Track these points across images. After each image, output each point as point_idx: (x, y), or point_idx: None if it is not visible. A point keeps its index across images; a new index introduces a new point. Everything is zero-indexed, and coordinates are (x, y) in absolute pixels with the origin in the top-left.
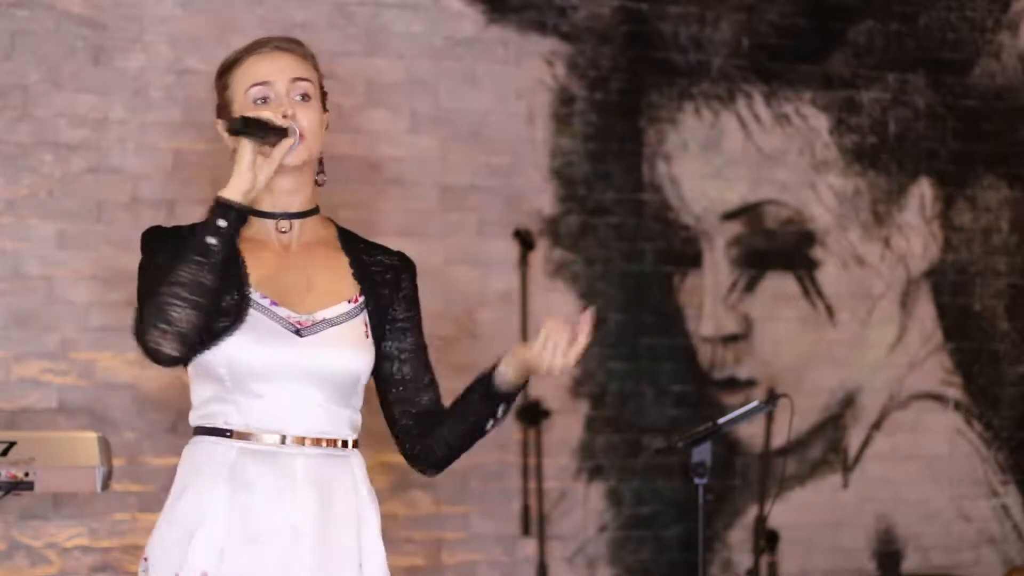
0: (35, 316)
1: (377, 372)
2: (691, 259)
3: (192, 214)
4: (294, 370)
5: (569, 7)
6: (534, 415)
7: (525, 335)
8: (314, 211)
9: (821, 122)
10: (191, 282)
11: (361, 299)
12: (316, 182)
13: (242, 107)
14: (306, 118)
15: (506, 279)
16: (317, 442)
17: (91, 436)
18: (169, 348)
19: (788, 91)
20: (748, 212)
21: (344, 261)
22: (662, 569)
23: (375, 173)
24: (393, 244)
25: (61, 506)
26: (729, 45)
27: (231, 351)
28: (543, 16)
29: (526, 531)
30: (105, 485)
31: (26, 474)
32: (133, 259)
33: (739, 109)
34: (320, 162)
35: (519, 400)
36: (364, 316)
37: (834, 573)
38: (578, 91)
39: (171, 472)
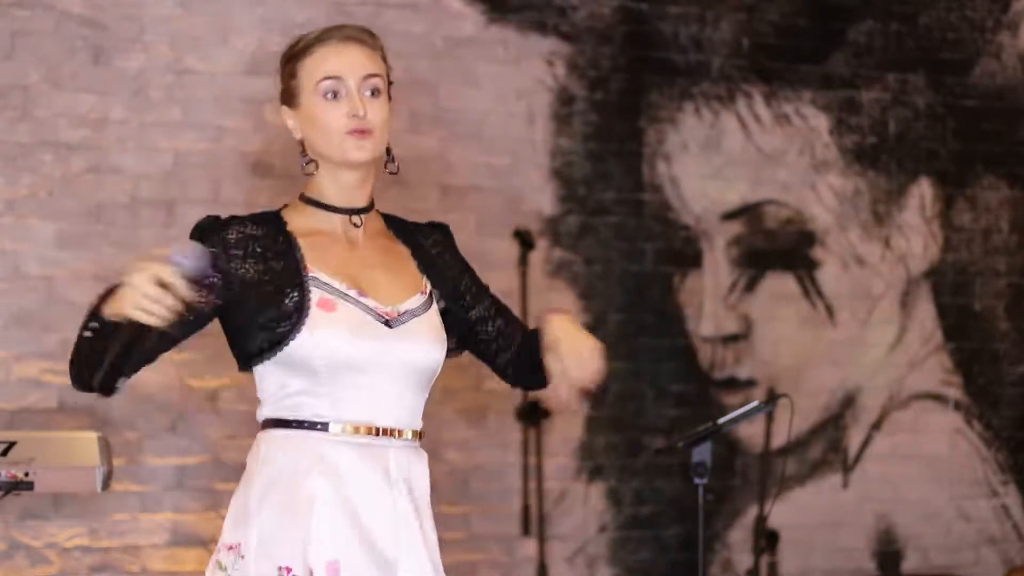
0: (35, 316)
1: (476, 337)
2: (691, 259)
3: (192, 214)
4: (386, 362)
5: (569, 7)
6: (534, 415)
7: None
8: (373, 204)
9: (821, 122)
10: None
11: (429, 289)
12: (389, 171)
13: (310, 99)
14: (376, 114)
15: (506, 279)
16: (402, 434)
17: (91, 436)
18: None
19: (788, 91)
20: (748, 212)
21: (405, 251)
22: (662, 569)
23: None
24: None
25: (61, 506)
26: (729, 45)
27: (329, 342)
28: (543, 16)
29: (526, 531)
30: (105, 485)
31: (26, 474)
32: (133, 259)
33: (739, 109)
34: (389, 151)
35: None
36: (435, 306)
37: (834, 573)
38: (578, 91)
39: (171, 473)
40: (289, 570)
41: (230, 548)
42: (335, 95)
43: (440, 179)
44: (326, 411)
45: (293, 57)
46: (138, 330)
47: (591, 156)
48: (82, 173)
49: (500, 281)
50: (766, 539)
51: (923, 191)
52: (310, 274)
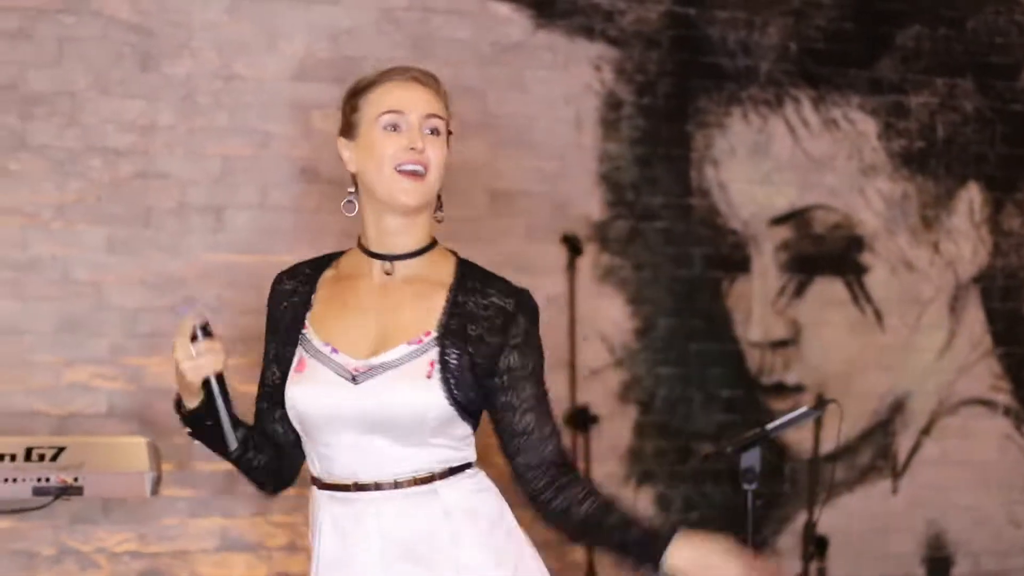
0: (84, 321)
1: (498, 424)
2: (739, 264)
3: (239, 219)
4: (351, 418)
5: (617, 12)
6: (583, 421)
7: (573, 340)
8: (424, 249)
9: (869, 127)
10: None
11: (428, 338)
12: (436, 219)
13: (369, 130)
14: (434, 153)
15: (554, 284)
16: (392, 485)
17: (140, 441)
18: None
19: (836, 96)
20: (796, 217)
21: (440, 302)
22: None
23: None
24: (513, 285)
25: (110, 511)
26: (777, 50)
27: (295, 403)
28: (591, 21)
29: None
30: (154, 490)
31: (76, 479)
32: (181, 264)
33: (787, 114)
34: (439, 198)
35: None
36: (431, 355)
37: None
38: (626, 96)
39: (220, 478)
40: None
41: None
42: (395, 128)
43: (488, 185)
44: (316, 468)
45: (358, 92)
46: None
47: (639, 161)
48: (130, 178)
49: (548, 287)
50: (815, 545)
51: (972, 195)
52: (303, 331)
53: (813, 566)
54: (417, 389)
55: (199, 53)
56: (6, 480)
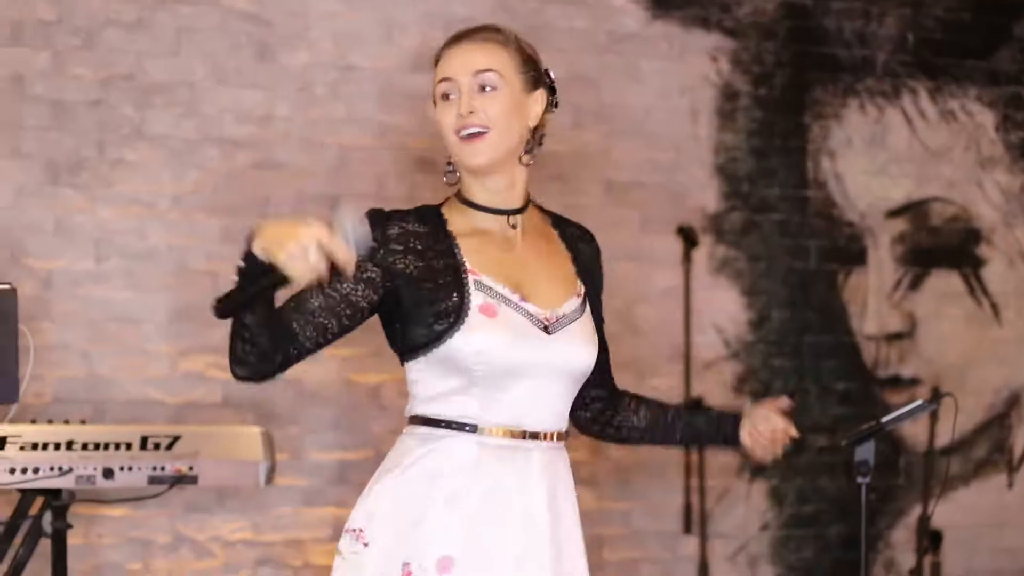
0: (201, 311)
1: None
2: (855, 256)
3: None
4: (544, 367)
5: (733, 3)
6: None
7: (688, 332)
8: (529, 201)
9: (987, 118)
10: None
11: (584, 292)
12: (523, 163)
13: (436, 103)
14: (489, 109)
15: (669, 275)
16: (549, 436)
17: (255, 431)
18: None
19: (954, 87)
20: (913, 209)
21: (564, 252)
22: (824, 568)
23: (538, 168)
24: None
25: (225, 500)
26: (894, 40)
27: (489, 346)
28: (707, 12)
29: (687, 529)
30: (268, 479)
31: (190, 468)
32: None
33: (904, 105)
34: (529, 142)
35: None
36: (588, 310)
37: (999, 574)
38: (742, 87)
39: (333, 467)
40: (407, 565)
41: (353, 532)
42: (446, 97)
43: (603, 175)
44: (474, 412)
45: (435, 63)
46: (281, 282)
47: (755, 152)
48: (247, 169)
49: (663, 278)
50: (929, 539)
51: None
52: (473, 276)
53: (927, 560)
54: (593, 343)
55: (316, 44)
56: (122, 468)
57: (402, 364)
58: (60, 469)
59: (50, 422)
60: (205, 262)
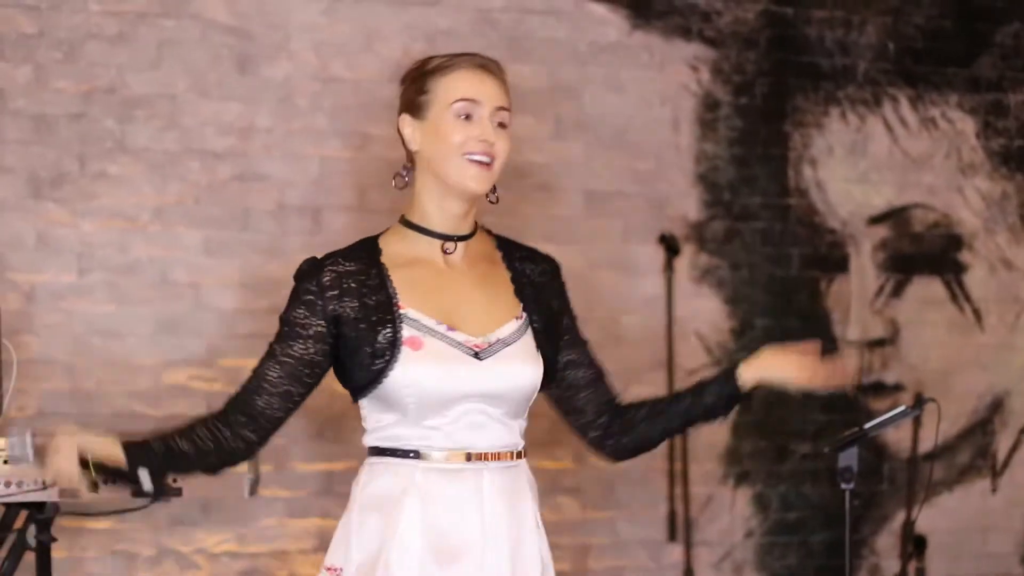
0: (183, 323)
1: (563, 382)
2: (837, 264)
3: (338, 221)
4: (476, 392)
5: (714, 12)
6: None
7: (670, 340)
8: (475, 230)
9: (968, 125)
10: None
11: (524, 316)
12: (490, 200)
13: (441, 114)
14: (502, 146)
15: (651, 284)
16: (499, 456)
17: None
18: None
19: (934, 94)
20: (894, 216)
21: (505, 276)
22: (809, 575)
23: (520, 179)
24: (539, 249)
25: (210, 512)
26: (875, 49)
27: (416, 379)
28: (687, 21)
29: (672, 537)
30: (253, 491)
31: (175, 480)
32: (279, 266)
33: (885, 113)
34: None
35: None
36: (530, 331)
37: None
38: (723, 96)
39: (318, 478)
40: None
41: (330, 570)
42: (467, 117)
43: (585, 185)
44: (417, 442)
45: (427, 73)
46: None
47: (736, 161)
48: (229, 181)
49: (646, 287)
50: (914, 544)
51: None
52: (401, 310)
53: (912, 566)
54: (533, 363)
55: (297, 55)
56: (106, 481)
57: (354, 402)
58: (44, 482)
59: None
60: (188, 274)
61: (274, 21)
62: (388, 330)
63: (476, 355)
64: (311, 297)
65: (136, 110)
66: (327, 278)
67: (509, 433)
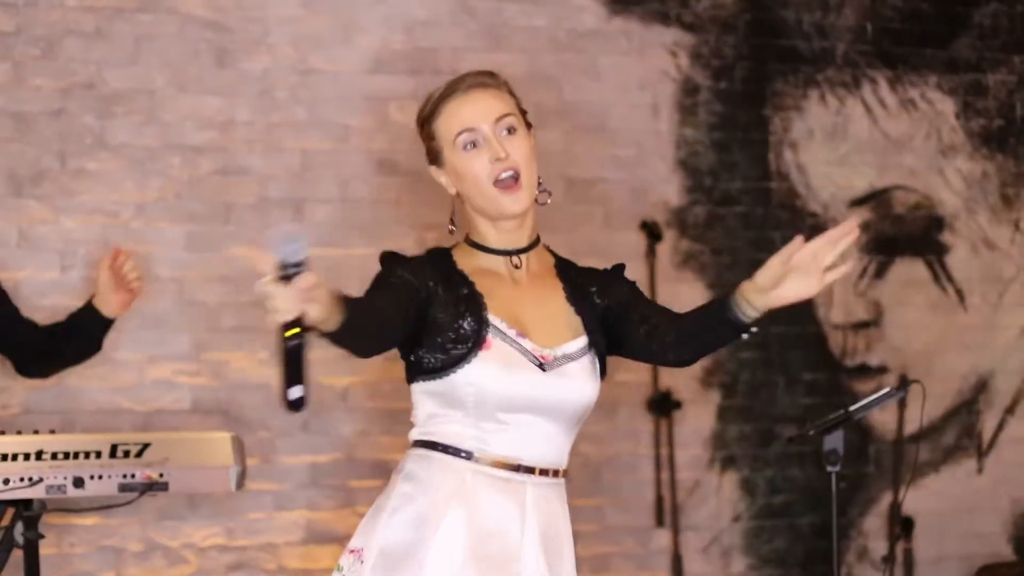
0: (166, 318)
1: (634, 332)
2: None
3: (320, 213)
4: (537, 403)
5: None
6: (665, 406)
7: None
8: (537, 241)
9: (947, 106)
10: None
11: (587, 336)
12: (537, 201)
13: (452, 154)
14: (517, 151)
15: (634, 271)
16: (545, 472)
17: (225, 436)
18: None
19: (913, 76)
20: (876, 198)
21: (561, 291)
22: (797, 558)
23: None
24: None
25: (197, 506)
26: (853, 31)
27: (479, 378)
28: (665, 7)
29: (660, 522)
30: (240, 484)
31: (161, 475)
32: (262, 259)
33: (864, 95)
34: (539, 182)
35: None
36: (593, 352)
37: (970, 559)
38: (702, 81)
39: (305, 471)
40: None
41: (352, 551)
42: (473, 145)
43: (565, 172)
44: (471, 443)
45: (426, 120)
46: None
47: (716, 146)
48: (210, 175)
49: (628, 273)
50: (901, 526)
51: None
52: (484, 312)
53: (899, 547)
54: (593, 383)
55: (275, 48)
56: (92, 477)
57: (408, 383)
58: (30, 479)
59: (19, 433)
60: (170, 270)
61: (252, 14)
62: (473, 320)
63: (541, 366)
64: (406, 272)
65: (115, 106)
66: (416, 263)
67: (558, 450)
